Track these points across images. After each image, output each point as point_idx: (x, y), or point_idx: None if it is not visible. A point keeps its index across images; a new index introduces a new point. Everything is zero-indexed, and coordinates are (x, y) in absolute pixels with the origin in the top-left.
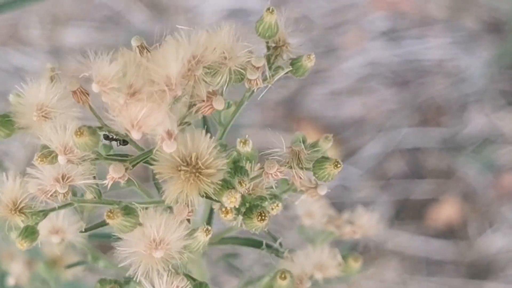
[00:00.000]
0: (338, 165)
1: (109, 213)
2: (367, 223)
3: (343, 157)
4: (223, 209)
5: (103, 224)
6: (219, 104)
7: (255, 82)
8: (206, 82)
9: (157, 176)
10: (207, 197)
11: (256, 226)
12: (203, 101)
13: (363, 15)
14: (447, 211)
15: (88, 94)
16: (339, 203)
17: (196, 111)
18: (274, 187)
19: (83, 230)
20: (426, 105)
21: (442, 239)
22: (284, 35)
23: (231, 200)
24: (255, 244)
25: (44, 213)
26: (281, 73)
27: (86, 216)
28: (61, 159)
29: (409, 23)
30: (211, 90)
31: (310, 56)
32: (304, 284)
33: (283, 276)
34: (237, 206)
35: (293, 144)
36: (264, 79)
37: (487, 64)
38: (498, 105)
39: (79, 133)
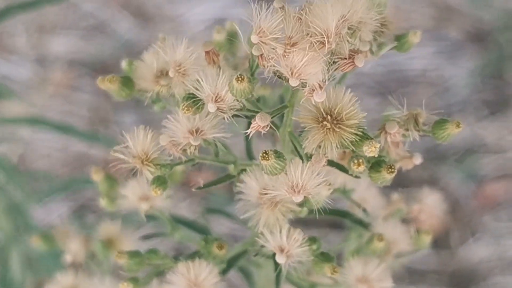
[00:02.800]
0: (460, 126)
1: (264, 154)
2: (433, 202)
3: None
4: (355, 161)
5: (226, 178)
6: (360, 62)
7: (365, 54)
8: (348, 41)
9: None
10: (344, 147)
11: (384, 179)
12: (345, 58)
13: None
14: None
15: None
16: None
17: (336, 69)
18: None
19: (201, 186)
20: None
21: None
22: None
23: (372, 149)
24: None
25: (171, 166)
26: (386, 48)
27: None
28: (211, 107)
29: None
30: (354, 48)
31: (416, 33)
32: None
33: (380, 238)
34: (376, 155)
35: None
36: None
37: (470, 74)
38: (481, 115)
39: (240, 79)
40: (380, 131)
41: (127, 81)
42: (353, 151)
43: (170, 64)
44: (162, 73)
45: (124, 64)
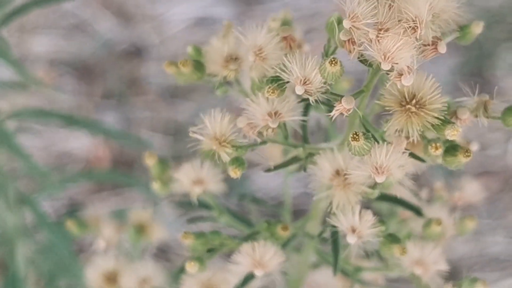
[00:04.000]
0: None
1: (354, 135)
2: (473, 190)
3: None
4: (434, 145)
5: (292, 161)
6: (442, 48)
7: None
8: (431, 28)
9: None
10: (426, 130)
11: (459, 163)
12: (428, 45)
13: None
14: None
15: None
16: (303, 211)
17: (420, 54)
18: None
19: (273, 168)
20: None
21: None
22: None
23: (454, 133)
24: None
25: (248, 147)
26: (450, 37)
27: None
28: (299, 89)
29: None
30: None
31: (479, 24)
32: None
33: (438, 222)
34: (457, 139)
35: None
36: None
37: (451, 72)
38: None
39: (333, 62)
40: (451, 117)
41: (199, 65)
42: (424, 137)
43: (250, 49)
44: (232, 58)
45: (189, 49)
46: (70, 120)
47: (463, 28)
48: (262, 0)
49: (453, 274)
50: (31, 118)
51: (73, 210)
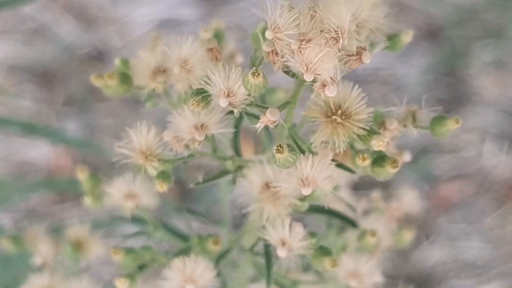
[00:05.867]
0: (459, 122)
1: (279, 147)
2: (410, 200)
3: None
4: (361, 156)
5: (222, 174)
6: (367, 58)
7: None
8: (356, 38)
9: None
10: (352, 141)
11: (387, 173)
12: (353, 55)
13: None
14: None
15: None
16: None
17: (345, 64)
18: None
19: (201, 181)
20: None
21: None
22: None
23: (380, 143)
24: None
25: (175, 161)
26: (380, 47)
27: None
28: (223, 101)
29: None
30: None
31: (408, 33)
32: None
33: (373, 233)
34: (383, 150)
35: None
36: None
37: (423, 71)
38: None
39: (256, 74)
40: (378, 127)
41: (125, 77)
42: (352, 147)
43: (175, 61)
44: (160, 70)
45: (117, 61)
46: (30, 128)
47: (392, 37)
48: (228, 0)
49: (426, 282)
50: None
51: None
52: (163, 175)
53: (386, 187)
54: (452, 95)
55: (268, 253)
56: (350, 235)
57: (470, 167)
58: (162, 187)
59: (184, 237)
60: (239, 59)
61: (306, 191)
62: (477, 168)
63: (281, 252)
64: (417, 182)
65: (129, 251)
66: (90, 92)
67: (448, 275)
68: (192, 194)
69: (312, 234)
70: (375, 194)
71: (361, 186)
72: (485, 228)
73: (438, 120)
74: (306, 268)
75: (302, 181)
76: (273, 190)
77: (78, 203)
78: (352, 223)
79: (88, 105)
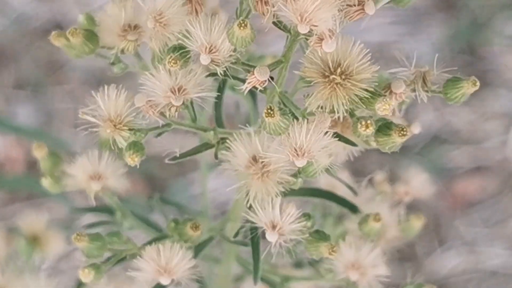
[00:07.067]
0: (476, 84)
1: (269, 110)
2: (420, 184)
3: None
4: (363, 122)
5: (202, 147)
6: (370, 9)
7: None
8: None
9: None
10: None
11: (394, 143)
12: (354, 5)
13: None
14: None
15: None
16: None
17: (345, 16)
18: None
19: (178, 156)
20: None
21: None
22: None
23: (385, 106)
24: (332, 197)
25: (148, 131)
26: (384, 1)
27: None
28: (204, 58)
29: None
30: None
31: None
32: None
33: (377, 218)
34: (390, 114)
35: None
36: None
37: (437, 47)
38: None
39: (243, 24)
40: (385, 91)
41: (91, 35)
42: (353, 115)
43: (149, 14)
44: (130, 26)
45: (81, 17)
46: None
47: None
48: None
49: None
50: None
51: None
52: (134, 146)
53: (392, 180)
54: (470, 76)
55: (255, 241)
56: (350, 225)
57: (492, 159)
58: (133, 160)
59: (158, 228)
60: (222, 16)
61: (300, 163)
62: (500, 161)
63: (271, 237)
64: (428, 178)
65: (94, 237)
66: (45, 72)
67: (467, 286)
68: (166, 191)
69: (306, 216)
70: (379, 177)
71: (361, 173)
72: (509, 232)
73: (452, 82)
74: (299, 264)
75: (296, 150)
76: (262, 164)
77: (31, 203)
78: (352, 208)
79: (43, 88)
